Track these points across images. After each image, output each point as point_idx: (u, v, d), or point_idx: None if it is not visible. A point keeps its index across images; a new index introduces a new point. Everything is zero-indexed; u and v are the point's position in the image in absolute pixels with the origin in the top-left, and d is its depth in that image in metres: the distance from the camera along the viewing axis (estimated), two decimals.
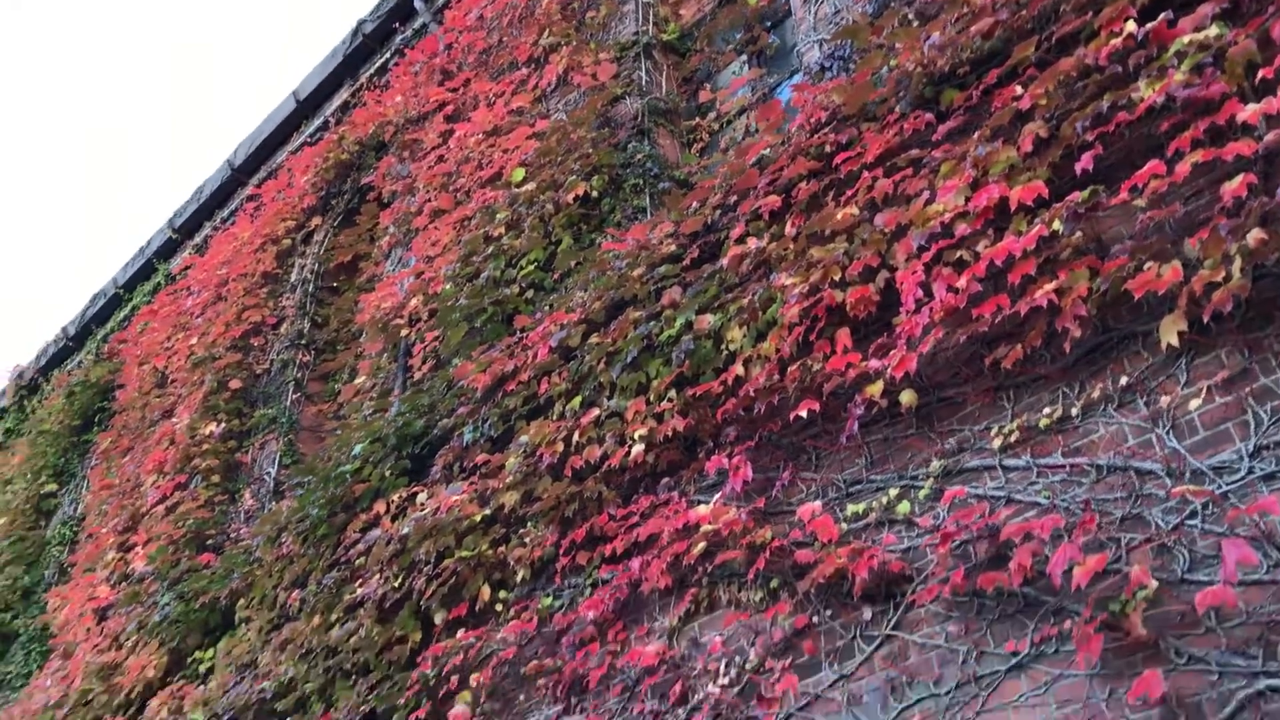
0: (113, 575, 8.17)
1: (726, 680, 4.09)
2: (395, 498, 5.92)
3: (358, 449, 6.22)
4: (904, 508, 3.86)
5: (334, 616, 5.85)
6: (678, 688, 4.22)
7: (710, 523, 4.26)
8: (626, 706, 4.44)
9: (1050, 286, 3.52)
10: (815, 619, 3.96)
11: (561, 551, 4.91)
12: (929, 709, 3.52)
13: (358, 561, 5.90)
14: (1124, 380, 3.46)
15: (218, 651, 6.81)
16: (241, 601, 6.78)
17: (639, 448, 4.72)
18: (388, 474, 6.04)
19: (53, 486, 10.86)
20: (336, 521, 6.21)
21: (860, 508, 3.99)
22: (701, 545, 4.29)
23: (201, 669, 6.85)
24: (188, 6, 37.60)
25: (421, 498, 5.73)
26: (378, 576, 5.68)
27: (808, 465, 4.29)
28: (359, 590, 5.71)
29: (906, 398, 3.92)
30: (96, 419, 10.66)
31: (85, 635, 8.01)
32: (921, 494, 3.85)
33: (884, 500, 3.94)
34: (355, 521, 6.05)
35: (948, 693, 3.49)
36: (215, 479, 7.93)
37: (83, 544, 9.13)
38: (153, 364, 9.48)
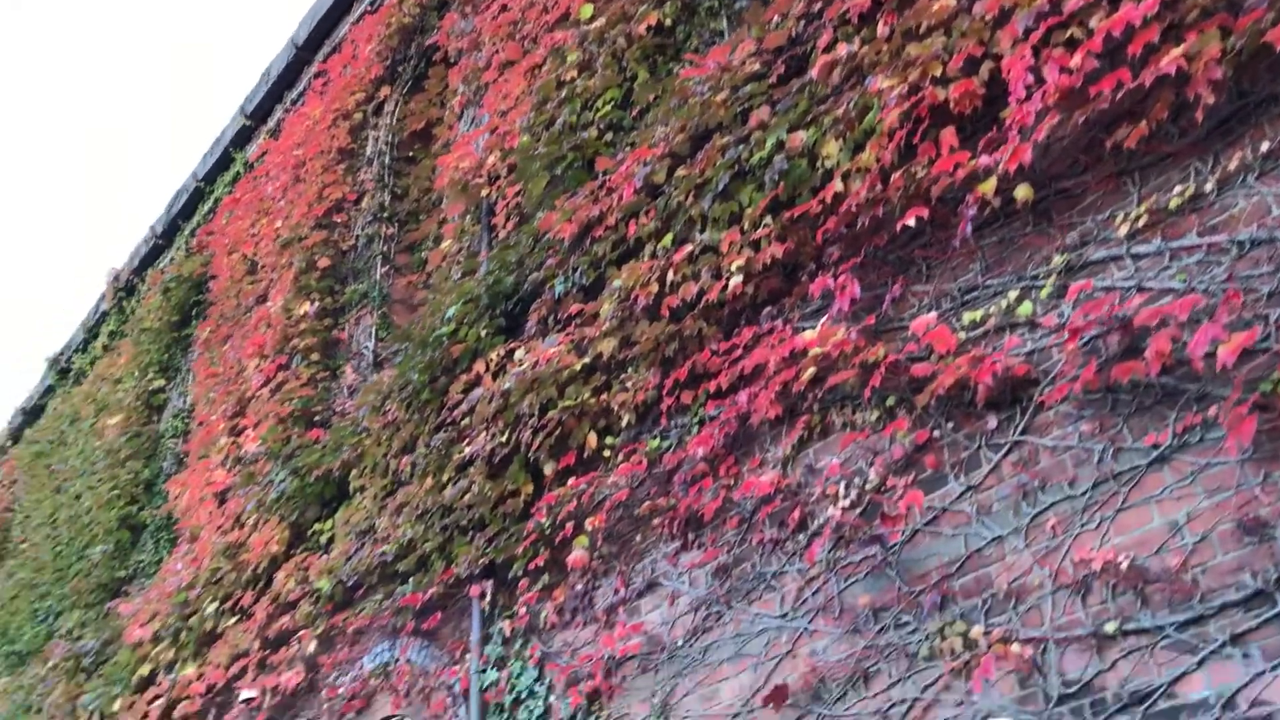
0: (227, 459, 8.35)
1: (847, 502, 3.99)
2: (493, 356, 5.87)
3: (451, 311, 6.17)
4: (1025, 309, 3.65)
5: (445, 477, 5.88)
6: (796, 514, 4.15)
7: (818, 346, 4.11)
8: (745, 537, 4.38)
9: (1177, 52, 3.23)
10: (936, 433, 3.81)
11: (665, 392, 4.82)
12: (1064, 511, 3.37)
13: (463, 422, 5.90)
14: (1265, 146, 3.18)
15: (336, 522, 6.94)
16: (354, 472, 6.87)
17: (737, 279, 4.57)
18: (483, 333, 5.99)
19: (160, 382, 11.10)
20: (438, 385, 6.20)
21: (977, 315, 3.80)
22: (811, 370, 4.16)
23: (322, 539, 7.00)
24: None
25: (519, 354, 5.67)
26: (484, 434, 5.67)
27: (918, 277, 4.09)
28: (467, 449, 5.72)
29: (1022, 192, 3.68)
30: (194, 312, 10.81)
31: (208, 518, 8.24)
32: (1043, 293, 3.64)
33: (1003, 304, 3.74)
34: (456, 383, 6.03)
35: (1084, 493, 3.34)
36: (315, 357, 7.98)
37: (194, 433, 9.34)
38: (241, 252, 9.53)
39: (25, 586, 11.67)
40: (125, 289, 12.40)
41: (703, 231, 4.82)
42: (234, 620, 7.40)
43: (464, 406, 5.86)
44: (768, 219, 4.50)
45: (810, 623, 4.01)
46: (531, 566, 5.25)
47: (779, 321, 4.45)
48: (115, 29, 39.48)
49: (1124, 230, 3.46)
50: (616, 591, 4.85)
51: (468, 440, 5.78)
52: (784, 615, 4.12)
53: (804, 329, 4.32)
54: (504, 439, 5.50)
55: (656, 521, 4.78)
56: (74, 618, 10.07)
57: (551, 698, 5.01)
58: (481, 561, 5.51)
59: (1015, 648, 3.35)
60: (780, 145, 4.50)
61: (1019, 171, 3.66)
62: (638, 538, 4.88)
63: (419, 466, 6.13)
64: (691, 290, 4.76)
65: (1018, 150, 3.56)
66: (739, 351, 4.53)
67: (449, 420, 6.02)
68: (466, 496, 5.64)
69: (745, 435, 4.52)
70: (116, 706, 8.47)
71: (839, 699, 3.82)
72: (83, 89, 40.63)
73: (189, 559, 8.39)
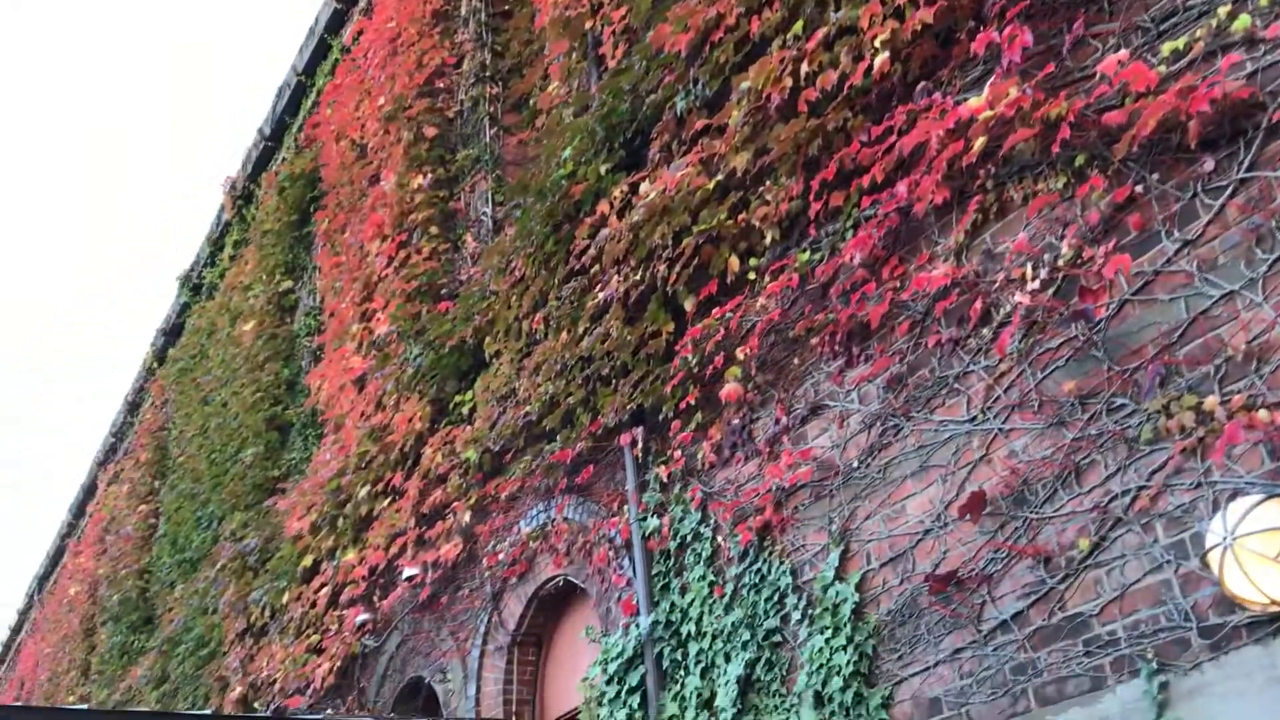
0: (361, 345, 8.22)
1: (1037, 284, 3.50)
2: (616, 193, 5.47)
3: (566, 152, 5.78)
4: (1242, 23, 3.07)
5: (581, 328, 5.56)
6: (977, 306, 3.68)
7: (988, 110, 3.59)
8: (918, 342, 3.94)
9: None
10: (1139, 188, 3.28)
11: (811, 198, 4.35)
12: None
13: (592, 268, 5.55)
14: None
15: (475, 391, 6.73)
16: (487, 339, 6.62)
17: (882, 56, 4.05)
18: (603, 170, 5.59)
19: (287, 283, 11.07)
20: (561, 234, 5.85)
21: (1180, 43, 3.22)
22: (981, 141, 3.64)
23: (465, 411, 6.81)
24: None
25: (644, 185, 5.25)
26: (616, 276, 5.31)
27: (1099, 14, 3.51)
28: (600, 295, 5.38)
29: None
30: (310, 208, 10.69)
31: (350, 406, 8.15)
32: (1261, 1, 3.04)
33: (1212, 24, 3.15)
34: (581, 228, 5.67)
35: None
36: (434, 230, 7.71)
37: (327, 325, 9.25)
38: (348, 137, 9.27)
39: (187, 497, 11.96)
40: (243, 196, 12.35)
41: (837, 10, 4.29)
42: (387, 501, 7.32)
43: (591, 251, 5.51)
44: None
45: (1005, 422, 3.57)
46: (682, 407, 4.92)
47: (937, 95, 3.91)
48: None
49: None
50: (777, 421, 4.48)
51: (599, 285, 5.43)
52: (973, 419, 3.69)
53: (967, 98, 3.79)
54: (638, 278, 5.13)
55: (815, 341, 4.37)
56: (235, 520, 10.24)
57: (719, 538, 4.71)
58: (629, 409, 5.21)
59: (1262, 414, 2.86)
60: None
61: None
62: (795, 361, 4.48)
63: (552, 322, 5.83)
64: (831, 79, 4.26)
65: None
66: (893, 137, 4.02)
67: (577, 268, 5.67)
68: (605, 344, 5.32)
69: (909, 230, 4.04)
70: (285, 599, 8.58)
71: (1047, 499, 3.39)
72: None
73: (336, 448, 8.35)
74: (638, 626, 4.93)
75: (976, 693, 3.48)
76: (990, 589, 3.51)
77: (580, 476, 5.57)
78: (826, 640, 3.99)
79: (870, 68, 4.09)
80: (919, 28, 3.92)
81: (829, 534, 4.16)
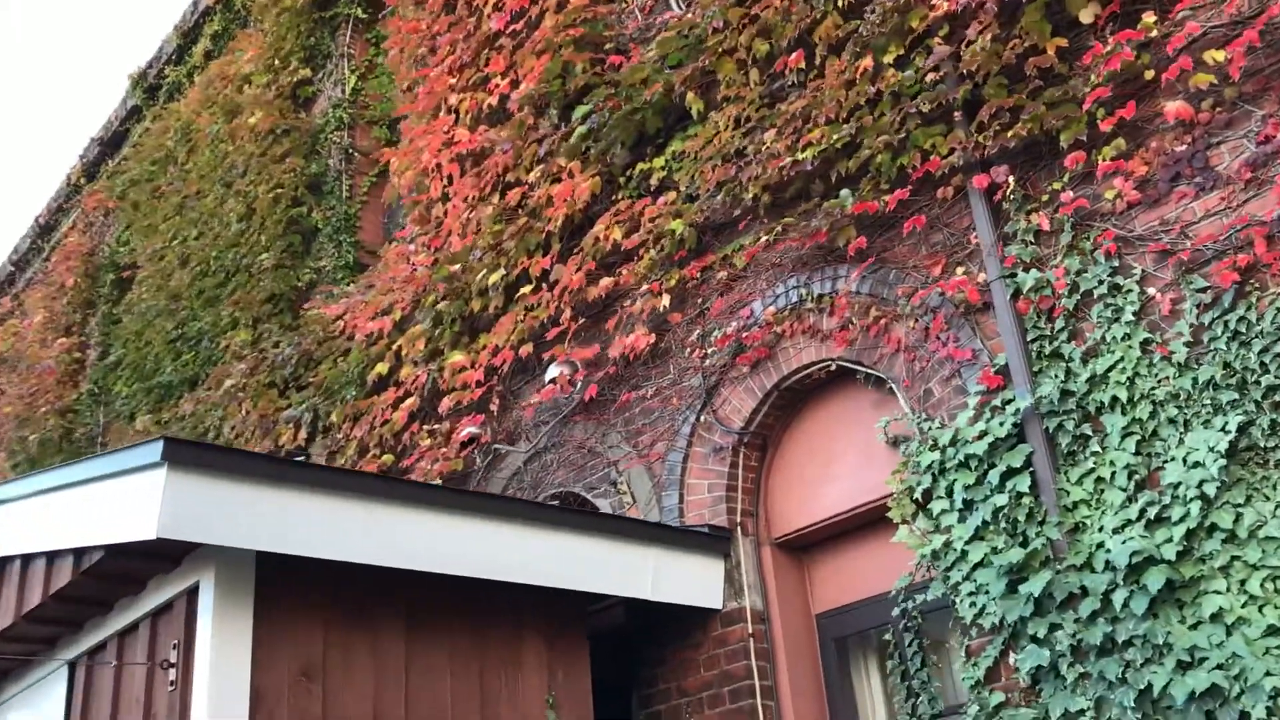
0: (468, 117, 6.93)
1: None
2: None
3: None
4: None
5: (890, 56, 4.56)
6: None
7: None
8: None
9: None
10: None
11: None
12: None
13: None
14: None
15: (668, 156, 5.63)
16: (690, 95, 5.52)
17: None
18: None
19: (305, 72, 9.54)
20: None
21: None
22: None
23: (652, 181, 5.70)
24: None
25: None
26: None
27: None
28: (943, 6, 4.37)
29: None
30: None
31: (455, 188, 6.88)
32: None
33: None
34: None
35: None
36: None
37: (402, 99, 7.85)
38: None
39: (157, 316, 10.36)
40: None
41: None
42: (529, 289, 6.15)
43: None
44: None
45: None
46: (1072, 141, 4.01)
47: None
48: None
49: None
50: (1267, 140, 3.60)
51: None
52: None
53: None
54: None
55: None
56: (241, 335, 8.82)
57: (1149, 290, 3.82)
58: (988, 146, 4.24)
59: None
60: None
61: None
62: None
63: (841, 53, 4.78)
64: None
65: None
66: None
67: None
68: (940, 71, 4.33)
69: None
70: (335, 416, 7.33)
71: None
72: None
73: (428, 237, 7.09)
74: (1014, 400, 4.02)
75: None
76: None
77: (859, 241, 4.60)
78: None
79: None
80: None
81: None
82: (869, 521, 4.86)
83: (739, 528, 5.10)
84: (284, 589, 3.94)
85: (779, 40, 5.14)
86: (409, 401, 6.79)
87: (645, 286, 5.57)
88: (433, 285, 6.69)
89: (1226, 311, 3.61)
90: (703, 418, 5.28)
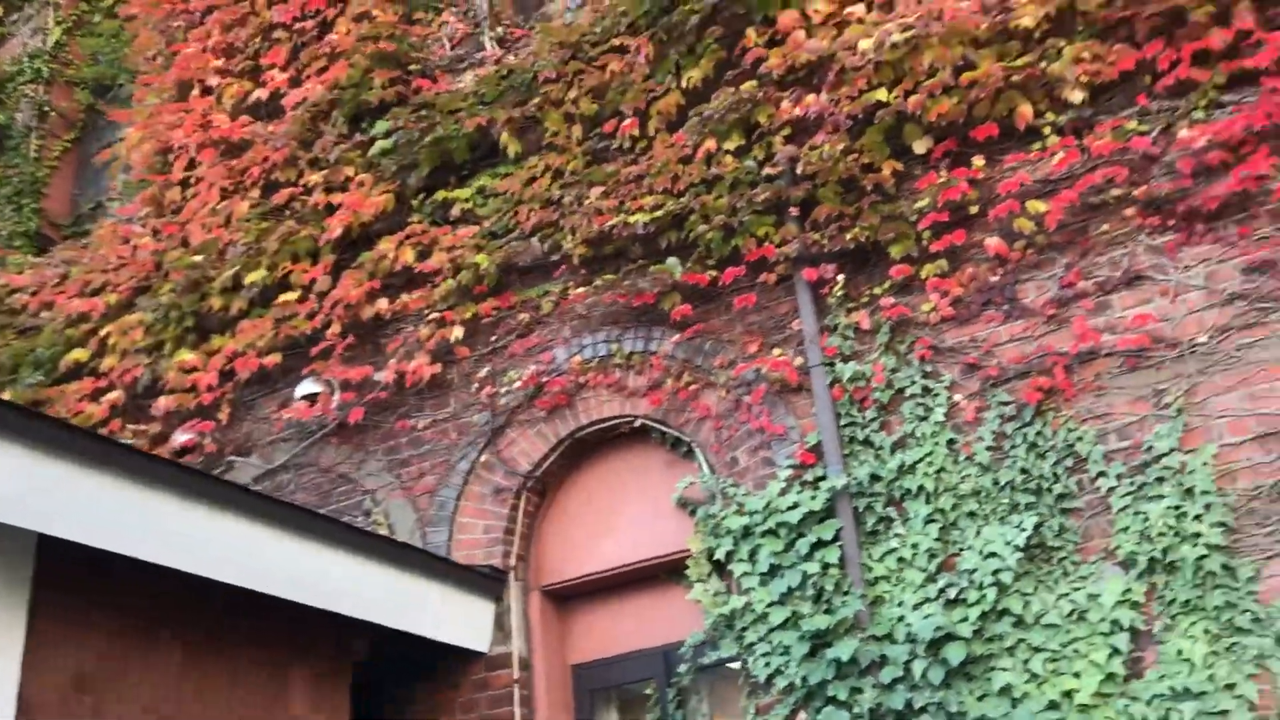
0: (230, 103, 6.46)
1: None
2: (817, 6, 4.87)
3: None
4: None
5: (729, 145, 4.88)
6: None
7: None
8: None
9: None
10: None
11: (1164, 66, 4.20)
12: None
13: (774, 78, 4.87)
14: None
15: (478, 191, 5.60)
16: (506, 135, 5.54)
17: None
18: None
19: None
20: (713, 35, 5.08)
21: None
22: None
23: (457, 210, 5.61)
24: None
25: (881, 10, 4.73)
26: (817, 96, 4.71)
27: None
28: (792, 109, 4.74)
29: None
30: None
31: (194, 171, 6.35)
32: None
33: None
34: (749, 35, 4.97)
35: None
36: None
37: (148, 67, 7.11)
38: None
39: None
40: None
41: None
42: (294, 296, 5.79)
43: (776, 61, 4.85)
44: None
45: None
46: (903, 255, 4.51)
47: None
48: None
49: None
50: (1069, 285, 4.24)
51: (793, 98, 4.78)
52: None
53: None
54: (881, 98, 4.58)
55: (1131, 211, 4.21)
56: None
57: (958, 397, 4.33)
58: (824, 243, 4.64)
59: None
60: None
61: None
62: (1104, 227, 4.27)
63: (690, 129, 5.02)
64: None
65: None
66: None
67: (739, 75, 4.95)
68: (778, 167, 4.71)
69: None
70: (10, 396, 6.45)
71: None
72: None
73: (159, 223, 6.48)
74: (828, 478, 4.36)
75: None
76: None
77: (680, 310, 4.85)
78: (1169, 508, 3.82)
79: None
80: None
81: (1156, 405, 4.00)
82: (640, 578, 5.01)
83: (512, 571, 5.07)
84: (64, 589, 3.47)
85: (610, 105, 5.30)
86: (113, 395, 6.12)
87: (436, 315, 5.45)
88: (163, 274, 6.12)
89: (1026, 425, 4.17)
90: (485, 456, 5.23)
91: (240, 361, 5.81)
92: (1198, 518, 3.79)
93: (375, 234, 5.77)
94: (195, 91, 6.66)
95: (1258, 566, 3.71)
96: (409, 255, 5.56)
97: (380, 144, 5.75)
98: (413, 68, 6.07)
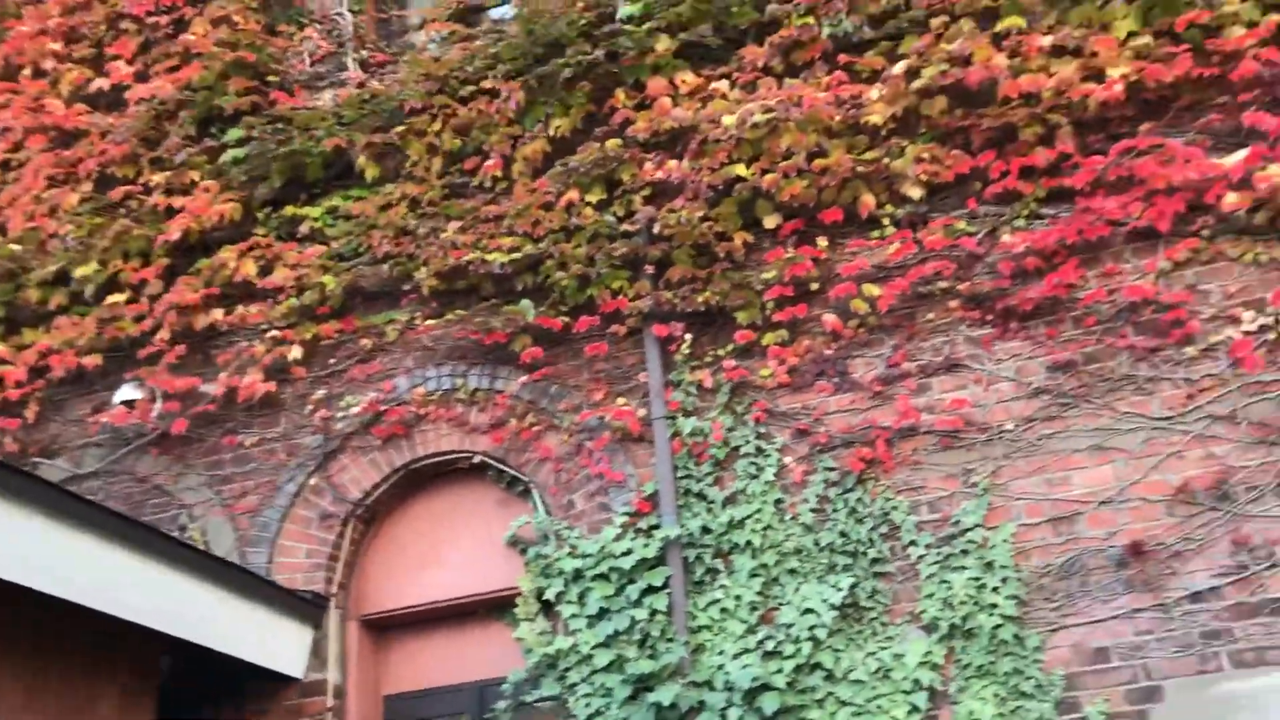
0: (67, 90, 6.19)
1: (1254, 326, 4.22)
2: (683, 79, 5.13)
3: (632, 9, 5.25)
4: None
5: (591, 197, 5.06)
6: (1180, 330, 4.27)
7: (1242, 175, 4.24)
8: (1100, 339, 4.41)
9: None
10: None
11: (995, 175, 4.62)
12: None
13: (640, 142, 5.07)
14: None
15: (329, 211, 5.58)
16: (364, 159, 5.55)
17: (1119, 86, 4.53)
18: (662, 48, 5.19)
19: None
20: (583, 90, 5.25)
21: None
22: (1233, 197, 4.29)
23: (305, 228, 5.56)
24: None
25: (740, 94, 5.04)
26: (679, 164, 4.95)
27: None
28: (654, 173, 4.95)
29: None
30: None
31: (16, 155, 6.05)
32: None
33: None
34: (617, 97, 5.18)
35: None
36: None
37: None
38: None
39: None
40: None
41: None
42: (122, 298, 5.59)
43: (642, 124, 5.07)
44: None
45: (1207, 429, 4.19)
46: (748, 322, 4.79)
47: (1177, 141, 4.48)
48: None
49: None
50: (895, 365, 4.60)
51: (656, 161, 5.00)
52: (1167, 419, 4.25)
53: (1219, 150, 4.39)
54: (739, 172, 4.85)
55: (955, 304, 4.61)
56: None
57: (787, 459, 4.60)
58: (676, 302, 4.85)
59: None
60: None
61: None
62: (928, 315, 4.64)
63: (553, 177, 5.16)
64: (1047, 83, 4.61)
65: None
66: (1113, 158, 4.49)
67: (606, 132, 5.14)
68: (636, 225, 4.91)
69: (1100, 240, 4.50)
70: None
71: (1254, 500, 4.06)
72: None
73: None
74: (662, 527, 4.55)
75: (1157, 649, 3.98)
76: (1181, 564, 4.06)
77: (530, 353, 4.97)
78: (971, 579, 4.18)
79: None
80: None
81: (964, 483, 4.37)
82: (462, 613, 5.06)
83: (333, 599, 5.02)
84: None
85: (474, 142, 5.39)
86: None
87: (275, 332, 5.37)
88: None
89: (848, 491, 4.48)
90: (314, 480, 5.17)
91: (56, 358, 5.56)
92: (995, 589, 4.16)
93: (216, 242, 5.64)
94: (27, 72, 6.35)
95: (1043, 637, 4.10)
96: (250, 268, 5.47)
97: (232, 152, 5.64)
98: (270, 79, 5.97)
